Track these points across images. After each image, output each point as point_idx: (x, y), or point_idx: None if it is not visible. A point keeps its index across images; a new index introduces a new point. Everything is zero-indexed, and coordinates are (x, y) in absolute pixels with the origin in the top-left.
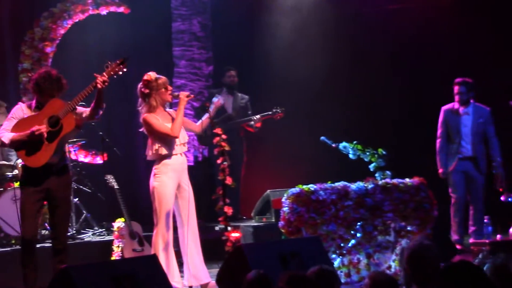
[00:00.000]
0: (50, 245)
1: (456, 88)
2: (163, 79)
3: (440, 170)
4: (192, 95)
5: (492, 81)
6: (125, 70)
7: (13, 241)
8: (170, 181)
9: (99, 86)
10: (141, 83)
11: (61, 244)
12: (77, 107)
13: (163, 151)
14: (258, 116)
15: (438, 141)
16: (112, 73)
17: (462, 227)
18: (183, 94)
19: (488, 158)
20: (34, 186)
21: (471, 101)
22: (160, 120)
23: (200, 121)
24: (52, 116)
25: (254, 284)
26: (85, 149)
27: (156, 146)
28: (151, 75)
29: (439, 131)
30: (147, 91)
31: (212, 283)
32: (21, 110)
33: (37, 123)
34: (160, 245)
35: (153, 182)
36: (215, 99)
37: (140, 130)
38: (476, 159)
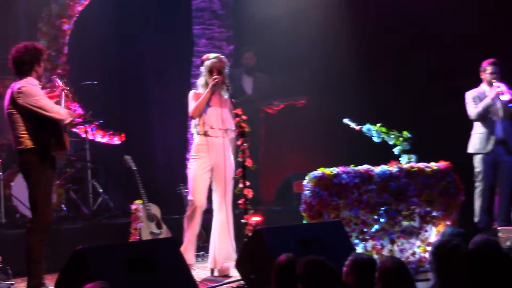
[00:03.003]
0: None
1: (491, 68)
2: (210, 63)
3: None
4: (218, 78)
5: None
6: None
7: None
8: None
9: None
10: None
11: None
12: None
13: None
14: (279, 101)
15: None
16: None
17: (487, 214)
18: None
19: None
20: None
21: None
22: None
23: None
24: None
25: (284, 268)
26: (102, 129)
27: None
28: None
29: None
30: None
31: (226, 266)
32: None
33: None
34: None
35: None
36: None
37: None
38: (505, 141)
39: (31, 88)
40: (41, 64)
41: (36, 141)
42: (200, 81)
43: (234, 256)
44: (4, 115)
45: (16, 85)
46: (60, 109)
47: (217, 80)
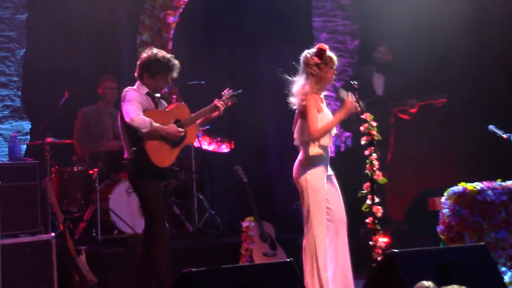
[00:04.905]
0: None
1: None
2: (334, 56)
3: None
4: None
5: None
6: (236, 102)
7: (128, 240)
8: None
9: (218, 113)
10: (314, 52)
11: None
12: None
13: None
14: (414, 100)
15: None
16: (226, 102)
17: None
18: (350, 98)
19: None
20: (159, 181)
21: None
22: (321, 108)
23: None
24: (178, 121)
25: None
26: (209, 135)
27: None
28: (326, 47)
29: None
30: (319, 61)
31: None
32: (142, 97)
33: (164, 122)
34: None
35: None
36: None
37: (294, 107)
38: None
39: (128, 93)
40: (157, 78)
41: (132, 150)
42: (322, 75)
43: (351, 282)
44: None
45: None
46: (137, 116)
47: (359, 109)
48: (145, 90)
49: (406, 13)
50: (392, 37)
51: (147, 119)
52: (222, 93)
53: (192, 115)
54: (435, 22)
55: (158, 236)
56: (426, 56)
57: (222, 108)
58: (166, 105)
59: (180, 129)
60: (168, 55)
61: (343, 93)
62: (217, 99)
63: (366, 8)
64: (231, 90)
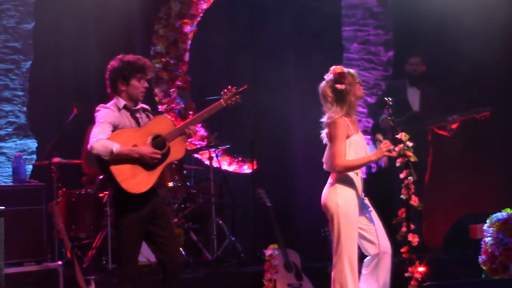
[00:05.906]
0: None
1: None
2: (353, 71)
3: None
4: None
5: None
6: (239, 101)
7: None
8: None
9: (190, 133)
10: (331, 80)
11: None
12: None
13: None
14: (456, 116)
15: None
16: (228, 102)
17: None
18: (384, 145)
19: None
20: (138, 209)
21: None
22: (351, 132)
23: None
24: (158, 136)
25: None
26: (229, 154)
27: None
28: (342, 67)
29: None
30: (343, 87)
31: None
32: (114, 115)
33: (139, 141)
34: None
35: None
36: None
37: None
38: None
39: (98, 113)
40: (131, 83)
41: (102, 178)
42: (351, 100)
43: None
44: None
45: None
46: (97, 142)
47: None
48: (122, 103)
49: (444, 21)
50: (428, 46)
51: (111, 144)
52: (223, 91)
53: (179, 126)
54: (475, 30)
55: (123, 281)
56: (464, 66)
57: (193, 132)
58: (151, 117)
59: (156, 150)
60: (136, 56)
61: (379, 136)
62: (224, 100)
63: (401, 16)
64: (234, 88)
